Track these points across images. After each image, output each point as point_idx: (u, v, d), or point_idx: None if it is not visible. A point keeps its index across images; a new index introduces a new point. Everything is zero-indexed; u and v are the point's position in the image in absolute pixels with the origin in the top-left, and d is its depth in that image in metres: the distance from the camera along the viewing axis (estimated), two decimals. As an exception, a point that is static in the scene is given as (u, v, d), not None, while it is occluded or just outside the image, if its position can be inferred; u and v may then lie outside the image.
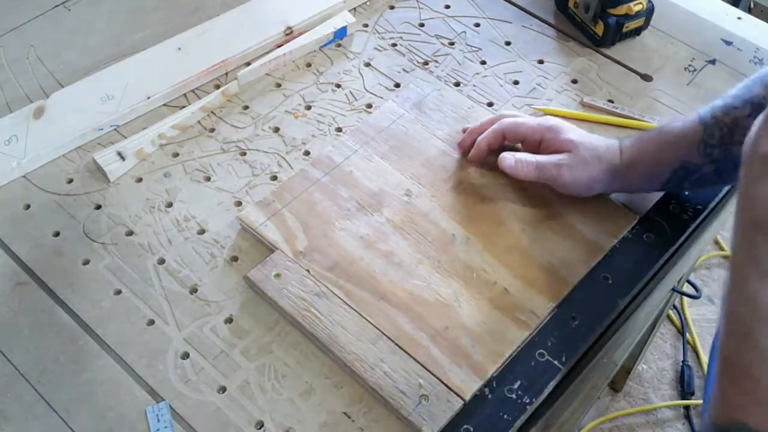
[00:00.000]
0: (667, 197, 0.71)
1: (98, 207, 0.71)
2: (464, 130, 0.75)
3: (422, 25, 0.88)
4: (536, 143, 0.70)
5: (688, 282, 1.09)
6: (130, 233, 0.69)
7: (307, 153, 0.75)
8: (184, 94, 0.80)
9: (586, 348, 0.63)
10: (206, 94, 0.80)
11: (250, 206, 0.69)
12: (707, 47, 0.86)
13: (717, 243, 1.67)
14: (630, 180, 0.68)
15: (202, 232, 0.69)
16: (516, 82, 0.82)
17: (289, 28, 0.85)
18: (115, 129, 0.77)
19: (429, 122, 0.76)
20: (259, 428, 0.58)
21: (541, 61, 0.84)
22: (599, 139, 0.69)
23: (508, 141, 0.72)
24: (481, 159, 0.72)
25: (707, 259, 1.64)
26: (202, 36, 0.84)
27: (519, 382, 0.59)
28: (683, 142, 0.65)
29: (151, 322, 0.64)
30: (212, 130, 0.78)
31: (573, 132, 0.69)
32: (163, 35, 0.85)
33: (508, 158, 0.69)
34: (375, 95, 0.81)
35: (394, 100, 0.78)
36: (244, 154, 0.75)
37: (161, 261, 0.67)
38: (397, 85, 0.82)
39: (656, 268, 0.68)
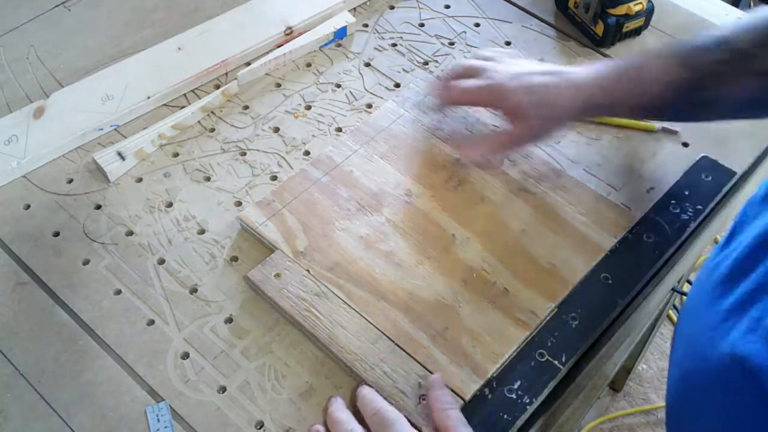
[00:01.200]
0: (667, 197, 0.71)
1: (98, 207, 0.71)
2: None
3: (422, 25, 0.88)
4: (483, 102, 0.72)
5: (688, 282, 1.09)
6: (130, 233, 0.69)
7: (307, 153, 0.75)
8: (184, 94, 0.80)
9: (586, 348, 0.63)
10: (206, 94, 0.80)
11: (250, 206, 0.69)
12: (707, 47, 0.86)
13: (717, 243, 1.67)
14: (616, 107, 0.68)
15: (202, 232, 0.69)
16: (516, 82, 0.82)
17: (289, 28, 0.85)
18: (115, 129, 0.77)
19: (429, 122, 0.76)
20: (259, 428, 0.58)
21: (541, 61, 0.84)
22: (555, 82, 0.66)
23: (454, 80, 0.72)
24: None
25: (707, 259, 1.64)
26: (202, 36, 0.84)
27: (519, 382, 0.59)
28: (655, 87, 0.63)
29: (151, 322, 0.64)
30: (212, 130, 0.78)
31: (518, 91, 0.66)
32: (163, 35, 0.85)
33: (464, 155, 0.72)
34: (375, 95, 0.81)
35: (394, 100, 0.78)
36: (244, 154, 0.75)
37: (161, 261, 0.67)
38: (397, 85, 0.82)
39: (656, 268, 0.68)
